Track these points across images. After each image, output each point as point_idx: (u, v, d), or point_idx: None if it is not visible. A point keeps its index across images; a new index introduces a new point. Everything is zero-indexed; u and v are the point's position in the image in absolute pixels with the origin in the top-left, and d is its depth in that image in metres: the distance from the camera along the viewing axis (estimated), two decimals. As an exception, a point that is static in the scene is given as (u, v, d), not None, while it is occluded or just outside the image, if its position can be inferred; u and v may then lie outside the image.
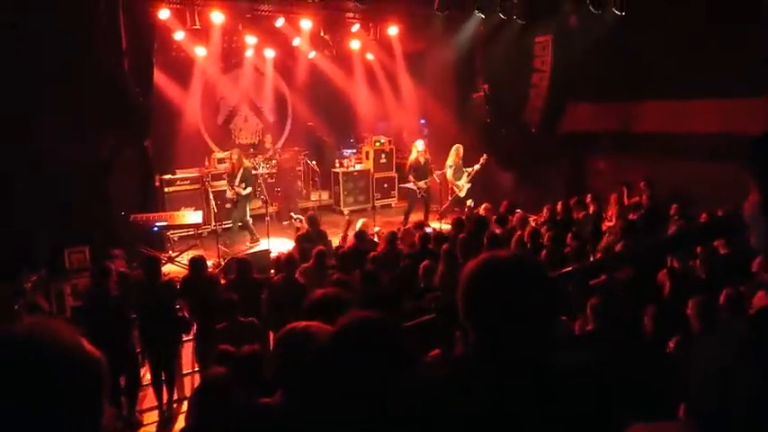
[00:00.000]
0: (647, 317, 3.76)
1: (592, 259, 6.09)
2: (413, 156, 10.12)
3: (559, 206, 8.23)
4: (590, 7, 8.54)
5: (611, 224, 8.09)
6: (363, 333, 1.59)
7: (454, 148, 10.31)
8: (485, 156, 10.16)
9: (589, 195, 8.63)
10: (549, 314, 1.36)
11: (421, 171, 10.06)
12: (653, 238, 6.45)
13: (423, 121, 12.48)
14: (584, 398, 1.32)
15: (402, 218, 10.12)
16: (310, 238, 7.16)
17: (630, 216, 7.65)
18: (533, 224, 7.59)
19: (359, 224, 7.73)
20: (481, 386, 1.30)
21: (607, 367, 1.54)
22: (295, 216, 8.23)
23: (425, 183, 10.07)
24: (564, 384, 1.31)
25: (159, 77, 9.85)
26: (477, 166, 10.04)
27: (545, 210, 8.41)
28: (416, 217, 9.73)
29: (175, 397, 5.42)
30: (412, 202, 10.29)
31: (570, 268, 4.71)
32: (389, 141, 12.28)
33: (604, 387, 1.38)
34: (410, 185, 10.07)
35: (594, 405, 1.34)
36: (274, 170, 11.48)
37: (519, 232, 7.27)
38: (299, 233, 7.48)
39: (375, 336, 1.58)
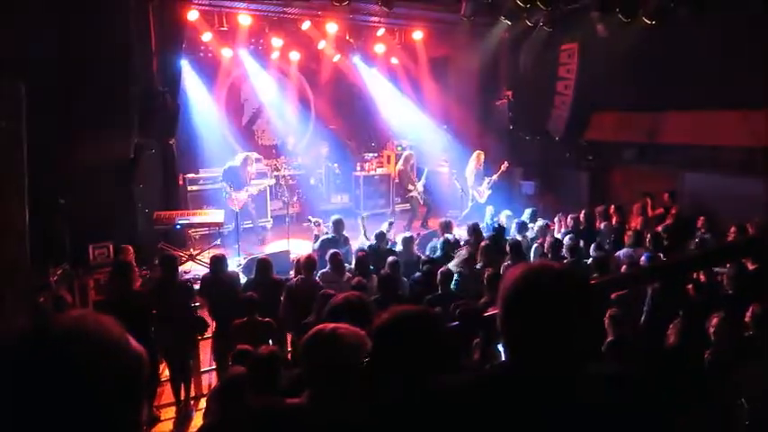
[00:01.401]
0: (672, 330, 3.69)
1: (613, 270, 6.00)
2: (399, 165, 10.31)
3: (582, 216, 8.14)
4: (619, 15, 8.42)
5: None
6: (407, 324, 1.60)
7: (475, 154, 10.31)
8: (505, 162, 10.11)
9: (612, 206, 8.53)
10: (590, 328, 1.33)
11: (407, 179, 10.36)
12: (680, 252, 6.33)
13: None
14: (618, 415, 1.29)
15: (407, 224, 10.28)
16: (334, 243, 7.15)
17: (656, 228, 7.52)
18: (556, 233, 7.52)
19: (384, 226, 7.71)
20: (518, 399, 1.28)
21: (637, 382, 1.50)
22: (313, 219, 8.25)
23: (415, 186, 10.36)
24: (599, 400, 1.28)
25: (186, 77, 10.00)
26: (496, 174, 10.02)
27: (567, 219, 8.32)
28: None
29: (193, 394, 5.46)
30: (415, 208, 10.36)
31: (595, 281, 4.63)
32: (408, 146, 12.28)
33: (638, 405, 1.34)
34: (413, 193, 10.16)
35: (628, 421, 1.30)
36: (296, 172, 11.57)
37: (540, 240, 7.21)
38: (322, 236, 7.48)
39: (419, 328, 1.60)
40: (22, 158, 6.22)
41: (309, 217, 8.70)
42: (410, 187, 10.44)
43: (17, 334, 0.91)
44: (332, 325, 1.91)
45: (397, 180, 11.28)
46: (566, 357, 1.27)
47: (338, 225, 7.32)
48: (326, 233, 7.56)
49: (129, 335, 1.00)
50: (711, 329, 3.59)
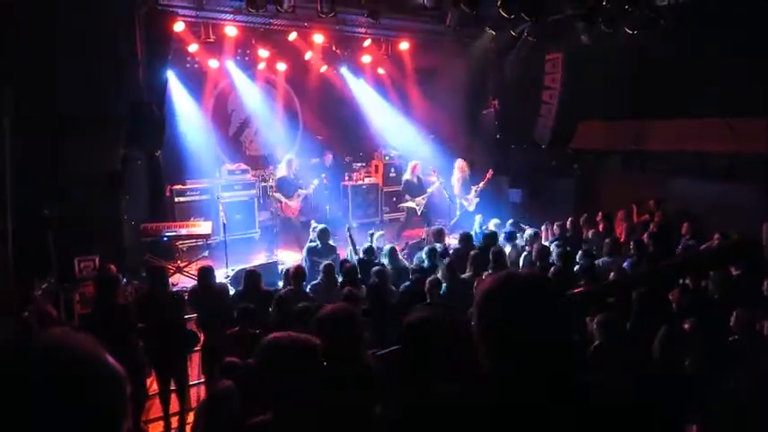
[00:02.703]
0: (658, 336, 3.71)
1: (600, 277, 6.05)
2: (407, 175, 10.29)
3: (569, 223, 8.21)
4: (602, 26, 8.55)
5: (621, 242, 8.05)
6: (428, 327, 1.65)
7: (459, 162, 10.36)
8: (490, 171, 10.19)
9: (599, 213, 8.61)
10: (564, 335, 1.34)
11: (416, 189, 10.18)
12: (665, 258, 6.39)
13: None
14: (601, 422, 1.30)
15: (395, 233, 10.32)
16: (320, 252, 7.17)
17: (641, 234, 7.61)
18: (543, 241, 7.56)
19: (376, 237, 7.75)
20: (495, 406, 1.29)
21: (622, 390, 1.52)
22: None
23: (423, 198, 10.25)
24: (580, 408, 1.29)
25: (173, 88, 9.98)
26: (482, 182, 10.10)
27: (553, 227, 8.39)
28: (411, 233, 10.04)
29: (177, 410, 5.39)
30: (409, 219, 10.36)
31: (581, 288, 4.68)
32: (398, 156, 12.34)
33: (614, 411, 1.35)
34: (410, 204, 10.16)
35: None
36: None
37: (528, 249, 7.25)
38: (309, 246, 7.49)
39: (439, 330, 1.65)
40: (5, 170, 6.18)
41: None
42: (408, 197, 10.33)
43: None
44: (283, 333, 1.92)
45: (390, 190, 11.28)
46: (541, 364, 1.28)
47: (323, 234, 7.34)
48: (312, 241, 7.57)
49: (114, 349, 0.99)
50: (690, 335, 3.63)
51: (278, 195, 9.28)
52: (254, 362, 1.93)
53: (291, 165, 9.43)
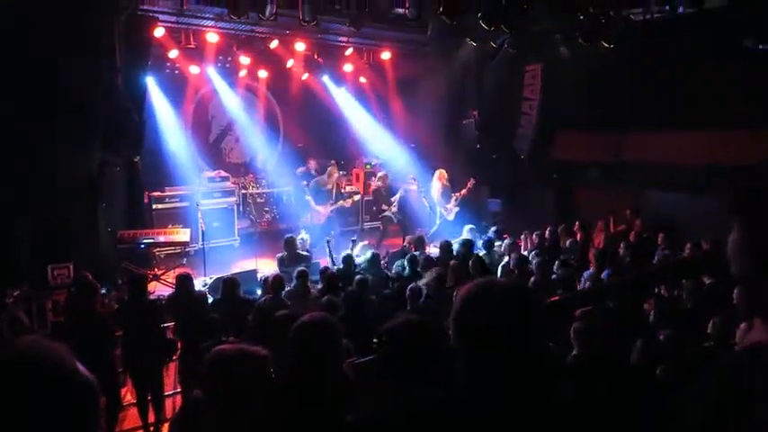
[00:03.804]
0: (635, 347, 3.77)
1: (579, 286, 6.12)
2: (376, 185, 10.41)
3: (547, 233, 8.30)
4: (579, 39, 8.72)
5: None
6: (406, 333, 1.66)
7: (437, 172, 10.43)
8: (472, 180, 10.28)
9: (577, 223, 8.72)
10: (539, 343, 1.36)
11: (384, 199, 10.35)
12: (640, 268, 6.50)
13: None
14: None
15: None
16: (287, 262, 7.17)
17: (618, 244, 7.72)
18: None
19: (358, 248, 7.78)
20: (471, 413, 1.30)
21: (593, 397, 1.54)
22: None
23: (394, 206, 10.38)
24: (550, 416, 1.30)
25: (152, 94, 9.88)
26: (463, 191, 10.17)
27: (532, 236, 8.47)
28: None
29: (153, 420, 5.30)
30: (386, 227, 10.42)
31: (558, 297, 4.72)
32: (379, 164, 12.38)
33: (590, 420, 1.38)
34: (387, 213, 10.23)
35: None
36: (265, 190, 11.52)
37: (506, 258, 7.31)
38: (278, 256, 7.50)
39: (420, 336, 1.66)
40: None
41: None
42: (384, 207, 10.45)
43: None
44: (233, 346, 1.92)
45: (371, 199, 11.34)
46: (515, 369, 1.29)
47: (288, 244, 7.39)
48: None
49: (87, 358, 0.98)
50: (666, 342, 3.69)
51: (309, 198, 9.54)
52: (203, 374, 1.91)
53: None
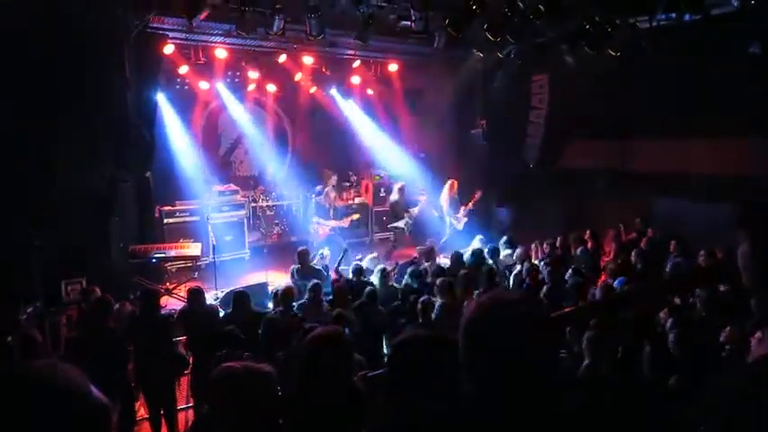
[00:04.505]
0: (647, 355, 3.74)
1: (591, 296, 6.08)
2: (393, 196, 10.36)
3: (558, 242, 8.26)
4: (585, 48, 8.72)
5: (609, 260, 8.11)
6: (422, 347, 1.66)
7: (448, 183, 10.45)
8: (479, 191, 10.29)
9: (587, 231, 8.67)
10: (550, 358, 1.36)
11: (402, 210, 10.33)
12: (653, 277, 6.45)
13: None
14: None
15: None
16: (301, 274, 7.19)
17: (630, 253, 7.65)
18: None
19: (366, 260, 7.78)
20: (478, 425, 1.30)
21: (604, 409, 1.54)
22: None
23: (409, 218, 10.34)
24: (556, 427, 1.30)
25: (163, 109, 10.00)
26: (471, 202, 10.18)
27: (543, 246, 8.42)
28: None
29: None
30: (398, 239, 10.39)
31: (571, 309, 4.70)
32: (388, 176, 12.42)
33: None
34: (399, 224, 10.20)
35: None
36: (275, 203, 11.59)
37: (518, 267, 7.28)
38: (292, 267, 7.52)
39: (434, 351, 1.67)
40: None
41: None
42: (405, 217, 10.40)
43: None
44: (239, 363, 1.93)
45: (387, 210, 11.20)
46: (525, 386, 1.30)
47: (301, 256, 7.41)
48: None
49: (101, 373, 0.99)
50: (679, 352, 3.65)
51: (317, 220, 9.85)
52: (209, 391, 1.92)
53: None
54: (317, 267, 7.55)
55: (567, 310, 4.73)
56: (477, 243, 8.52)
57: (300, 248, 7.69)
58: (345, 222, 9.78)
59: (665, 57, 8.56)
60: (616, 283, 6.47)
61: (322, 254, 8.30)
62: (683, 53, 8.36)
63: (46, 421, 0.87)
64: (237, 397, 1.80)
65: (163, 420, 5.19)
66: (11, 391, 0.88)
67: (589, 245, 8.35)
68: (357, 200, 12.19)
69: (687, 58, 8.32)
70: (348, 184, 12.46)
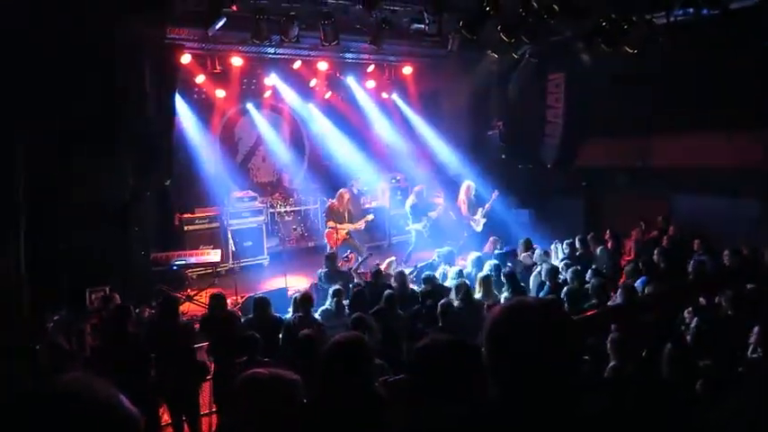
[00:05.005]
0: (669, 357, 3.67)
1: (612, 296, 6.00)
2: (411, 199, 10.27)
3: (578, 242, 8.18)
4: (602, 45, 8.63)
5: (630, 258, 8.01)
6: (444, 352, 1.68)
7: (464, 184, 10.38)
8: (495, 192, 10.23)
9: (607, 231, 8.58)
10: (571, 362, 1.36)
11: (420, 212, 10.19)
12: (675, 275, 6.35)
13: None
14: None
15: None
16: (327, 278, 7.21)
17: (652, 253, 7.53)
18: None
19: (387, 263, 7.79)
20: (500, 428, 1.30)
21: (627, 411, 1.53)
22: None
23: (426, 220, 10.14)
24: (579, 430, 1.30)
25: (181, 118, 10.14)
26: (488, 203, 10.12)
27: (563, 246, 8.35)
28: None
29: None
30: (417, 241, 10.31)
31: (594, 312, 4.65)
32: (404, 179, 12.42)
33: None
34: (416, 226, 10.14)
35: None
36: (293, 208, 11.67)
37: (537, 269, 7.23)
38: (319, 271, 7.54)
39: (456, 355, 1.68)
40: (19, 201, 6.28)
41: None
42: (420, 221, 10.29)
43: (13, 395, 0.92)
44: (266, 369, 1.93)
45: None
46: (547, 388, 1.30)
47: (329, 260, 7.42)
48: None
49: (126, 379, 1.01)
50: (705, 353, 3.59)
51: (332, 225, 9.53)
52: (234, 397, 1.93)
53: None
54: (342, 270, 7.58)
55: (589, 313, 4.68)
56: (490, 245, 8.49)
57: (328, 252, 7.73)
58: (361, 224, 9.72)
59: (683, 52, 8.44)
60: (637, 283, 6.38)
61: (347, 257, 8.34)
62: (701, 48, 8.24)
63: None
64: (262, 404, 1.81)
65: (186, 426, 5.24)
66: (43, 408, 0.90)
67: (609, 245, 8.25)
68: (374, 203, 12.19)
69: (705, 53, 8.19)
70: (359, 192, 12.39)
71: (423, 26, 8.00)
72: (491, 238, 8.80)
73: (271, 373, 1.89)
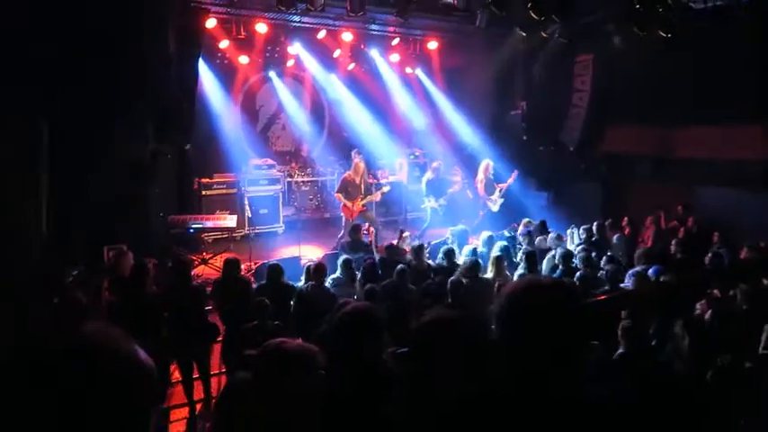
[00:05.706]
0: (684, 346, 3.66)
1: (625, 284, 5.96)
2: (428, 175, 10.15)
3: (594, 227, 8.10)
4: (635, 28, 8.39)
5: (646, 246, 7.91)
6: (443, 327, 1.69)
7: (483, 163, 10.27)
8: (515, 171, 10.12)
9: (625, 218, 8.47)
10: (580, 345, 1.36)
11: (437, 189, 10.10)
12: (691, 266, 6.27)
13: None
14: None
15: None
16: (350, 249, 7.27)
17: (669, 241, 7.45)
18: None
19: (405, 236, 7.81)
20: (518, 411, 1.31)
21: (635, 398, 1.52)
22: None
23: (443, 200, 10.08)
24: (589, 419, 1.30)
25: (203, 83, 10.14)
26: (505, 184, 10.03)
27: (579, 231, 8.27)
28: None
29: (202, 396, 5.49)
30: (432, 218, 10.26)
31: (606, 296, 4.62)
32: (423, 155, 12.35)
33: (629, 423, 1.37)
34: (432, 204, 10.07)
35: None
36: (310, 178, 11.70)
37: (551, 252, 7.18)
38: (342, 241, 7.65)
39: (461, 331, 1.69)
40: (42, 161, 6.37)
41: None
42: (437, 199, 10.16)
43: (36, 347, 0.95)
44: (280, 340, 1.96)
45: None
46: (557, 371, 1.30)
47: (353, 231, 7.47)
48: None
49: (141, 336, 1.03)
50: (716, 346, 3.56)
51: (339, 196, 9.27)
52: (257, 361, 1.96)
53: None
54: (365, 242, 7.65)
55: (600, 297, 4.66)
56: (507, 233, 8.43)
57: (354, 223, 7.79)
58: (377, 196, 9.64)
59: (717, 39, 8.18)
60: (651, 271, 6.31)
61: (365, 230, 8.39)
62: (737, 35, 7.97)
63: (98, 382, 0.91)
64: (285, 374, 1.84)
65: (197, 383, 5.36)
66: (67, 357, 0.92)
67: (626, 231, 8.17)
68: (391, 177, 12.15)
69: (740, 40, 7.93)
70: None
71: (451, 0, 7.85)
72: (523, 220, 8.70)
73: (298, 345, 1.92)
